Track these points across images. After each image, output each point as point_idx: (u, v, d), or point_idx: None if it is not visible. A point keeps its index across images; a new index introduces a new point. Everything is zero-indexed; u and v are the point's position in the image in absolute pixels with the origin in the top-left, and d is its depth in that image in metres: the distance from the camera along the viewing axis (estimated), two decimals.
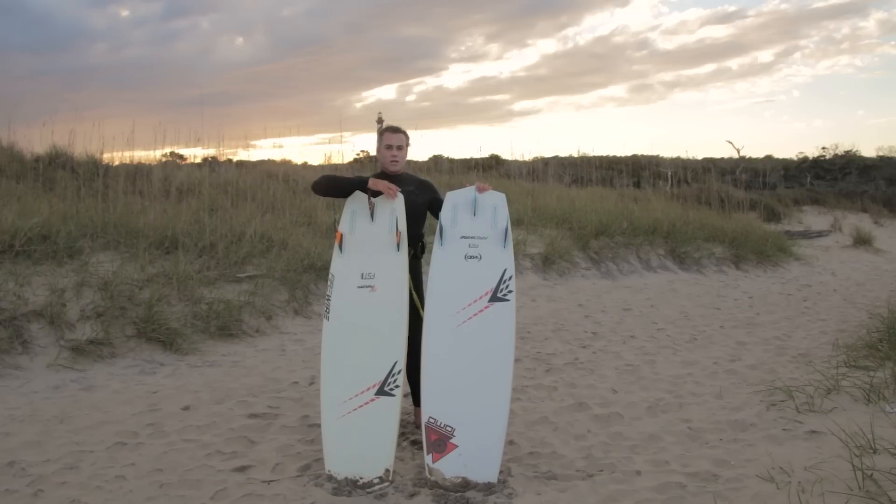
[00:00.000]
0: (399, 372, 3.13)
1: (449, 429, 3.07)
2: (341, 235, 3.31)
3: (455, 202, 3.39)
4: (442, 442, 3.06)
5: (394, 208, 3.34)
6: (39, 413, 3.89)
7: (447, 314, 3.18)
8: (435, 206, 3.53)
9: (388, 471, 3.05)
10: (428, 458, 3.07)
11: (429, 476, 3.05)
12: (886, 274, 11.19)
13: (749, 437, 3.52)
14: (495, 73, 63.16)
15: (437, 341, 3.17)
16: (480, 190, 3.38)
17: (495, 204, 3.36)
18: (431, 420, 3.09)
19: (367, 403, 3.10)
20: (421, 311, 3.44)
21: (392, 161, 3.50)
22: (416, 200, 3.49)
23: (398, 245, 3.27)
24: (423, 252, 3.62)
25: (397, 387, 3.11)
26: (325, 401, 3.16)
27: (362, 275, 3.24)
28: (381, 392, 3.10)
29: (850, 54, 65.13)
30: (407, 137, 3.57)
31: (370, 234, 3.32)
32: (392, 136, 3.52)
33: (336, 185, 3.42)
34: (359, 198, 3.38)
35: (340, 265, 3.28)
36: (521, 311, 7.12)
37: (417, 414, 3.81)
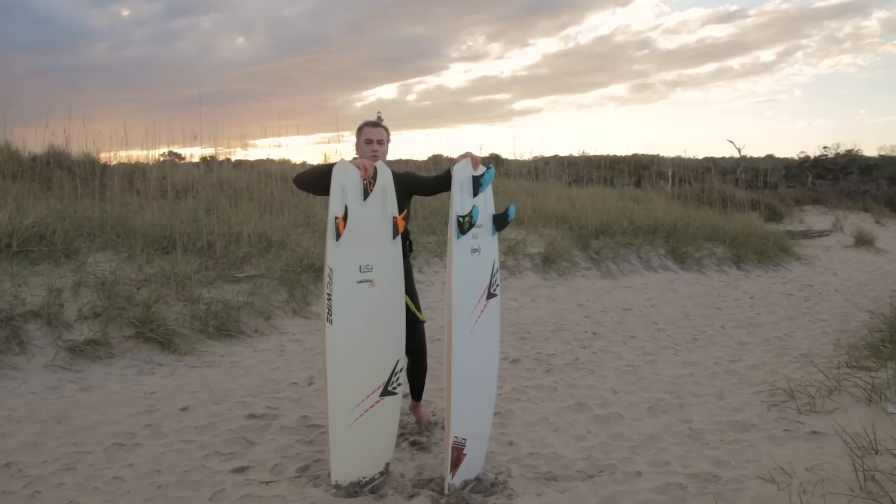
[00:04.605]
0: (401, 370, 3.06)
1: (463, 440, 2.92)
2: (343, 221, 2.80)
3: (461, 179, 2.90)
4: (459, 456, 2.92)
5: (384, 187, 2.98)
6: (37, 414, 3.87)
7: (466, 319, 2.89)
8: (419, 185, 3.33)
9: (387, 464, 3.06)
10: (449, 476, 2.89)
11: (446, 492, 2.88)
12: (888, 274, 11.17)
13: (750, 438, 3.50)
14: (496, 72, 63.11)
15: (463, 353, 2.86)
16: (475, 164, 2.98)
17: (485, 181, 2.99)
18: (456, 438, 2.88)
19: (373, 406, 2.99)
20: (417, 313, 3.35)
21: (373, 155, 3.31)
22: (396, 197, 3.16)
23: (394, 232, 2.98)
24: (411, 250, 3.38)
25: (399, 385, 3.06)
26: (333, 410, 2.91)
27: (360, 267, 2.90)
28: (385, 392, 3.01)
29: (852, 53, 65.10)
30: (387, 132, 3.41)
31: (362, 218, 2.91)
32: (372, 129, 3.35)
33: (321, 169, 3.06)
34: (347, 168, 2.90)
35: (338, 256, 2.84)
36: (521, 311, 7.10)
37: (417, 411, 3.75)
